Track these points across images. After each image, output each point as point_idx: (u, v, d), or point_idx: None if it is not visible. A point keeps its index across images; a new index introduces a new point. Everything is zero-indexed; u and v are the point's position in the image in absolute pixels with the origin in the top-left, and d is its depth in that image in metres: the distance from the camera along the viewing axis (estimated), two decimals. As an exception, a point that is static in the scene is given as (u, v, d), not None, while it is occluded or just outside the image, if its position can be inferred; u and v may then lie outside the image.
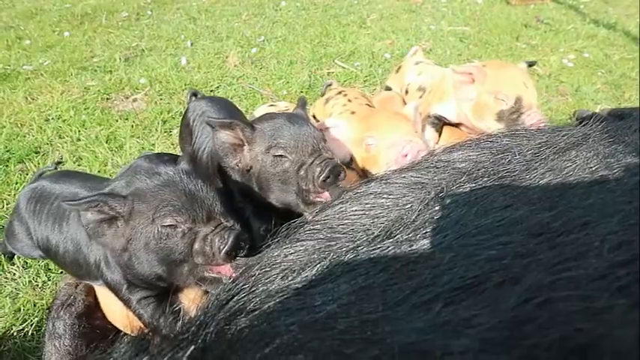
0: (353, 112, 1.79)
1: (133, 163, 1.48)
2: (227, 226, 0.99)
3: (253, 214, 1.33)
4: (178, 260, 0.99)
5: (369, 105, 1.92)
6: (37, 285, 1.55)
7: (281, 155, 1.19)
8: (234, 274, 0.98)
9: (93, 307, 1.28)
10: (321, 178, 1.16)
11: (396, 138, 1.38)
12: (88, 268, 1.18)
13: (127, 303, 1.13)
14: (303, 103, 1.39)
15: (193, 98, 1.92)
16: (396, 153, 1.34)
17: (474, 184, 1.00)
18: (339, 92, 2.00)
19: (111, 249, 1.02)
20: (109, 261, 1.11)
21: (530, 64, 1.85)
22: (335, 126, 1.54)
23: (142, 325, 1.12)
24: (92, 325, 1.24)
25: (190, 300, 1.12)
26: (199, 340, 0.65)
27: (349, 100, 1.90)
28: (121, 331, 1.20)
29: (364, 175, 1.48)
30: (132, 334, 1.02)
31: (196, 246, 0.97)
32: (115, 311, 1.22)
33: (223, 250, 0.96)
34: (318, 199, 1.19)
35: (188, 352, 0.61)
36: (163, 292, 1.11)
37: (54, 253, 1.27)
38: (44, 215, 1.28)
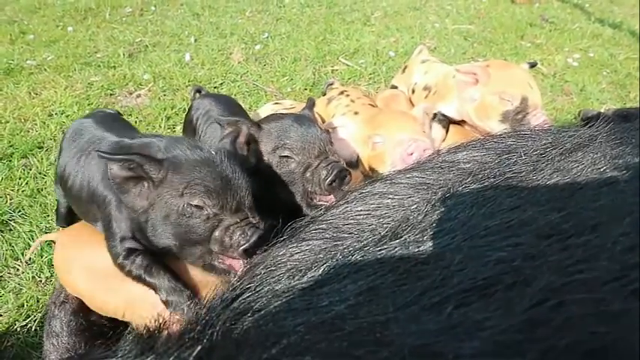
0: (356, 113, 1.78)
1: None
2: (252, 223, 0.97)
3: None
4: (194, 241, 0.97)
5: (372, 105, 1.91)
6: (41, 281, 1.55)
7: (287, 156, 1.19)
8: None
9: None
10: (327, 181, 1.16)
11: (403, 137, 1.38)
12: (96, 199, 1.11)
13: (113, 249, 1.07)
14: (311, 105, 1.38)
15: (197, 95, 1.91)
16: (402, 151, 1.34)
17: (480, 185, 0.99)
18: (342, 92, 1.98)
19: (131, 207, 0.99)
20: (121, 208, 1.06)
21: (532, 65, 1.84)
22: (342, 126, 1.54)
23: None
24: (88, 322, 1.22)
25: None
26: (205, 340, 0.64)
27: (352, 101, 1.89)
28: (120, 328, 1.19)
29: (370, 175, 1.48)
30: (134, 329, 1.01)
31: (217, 233, 0.96)
32: (108, 301, 1.16)
33: (243, 246, 0.94)
34: (323, 202, 1.18)
35: (195, 352, 0.61)
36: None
37: (65, 181, 1.23)
38: (71, 145, 1.25)
